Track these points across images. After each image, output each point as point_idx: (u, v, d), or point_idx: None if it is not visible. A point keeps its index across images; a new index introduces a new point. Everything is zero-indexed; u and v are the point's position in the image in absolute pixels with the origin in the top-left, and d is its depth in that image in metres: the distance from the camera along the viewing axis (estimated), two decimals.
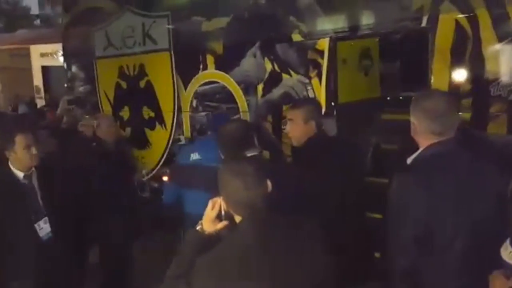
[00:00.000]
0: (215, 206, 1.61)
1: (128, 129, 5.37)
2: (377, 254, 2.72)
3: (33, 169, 2.69)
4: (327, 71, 3.54)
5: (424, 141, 1.84)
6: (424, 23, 3.02)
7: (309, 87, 3.69)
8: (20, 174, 2.65)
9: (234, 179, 1.52)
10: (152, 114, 5.16)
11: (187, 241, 1.64)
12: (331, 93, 3.55)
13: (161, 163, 5.09)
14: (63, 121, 5.36)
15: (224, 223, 1.59)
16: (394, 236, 1.80)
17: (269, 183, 1.57)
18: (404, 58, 4.08)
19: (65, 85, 6.44)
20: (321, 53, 3.59)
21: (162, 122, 5.10)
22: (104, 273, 3.71)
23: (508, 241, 1.42)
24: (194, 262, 1.48)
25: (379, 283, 2.34)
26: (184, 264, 1.55)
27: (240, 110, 4.32)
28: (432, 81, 3.04)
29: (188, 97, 4.75)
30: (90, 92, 5.87)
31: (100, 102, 5.68)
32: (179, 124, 4.90)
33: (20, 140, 2.62)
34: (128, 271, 3.73)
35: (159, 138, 5.11)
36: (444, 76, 2.99)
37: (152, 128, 5.20)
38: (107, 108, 5.60)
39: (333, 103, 3.54)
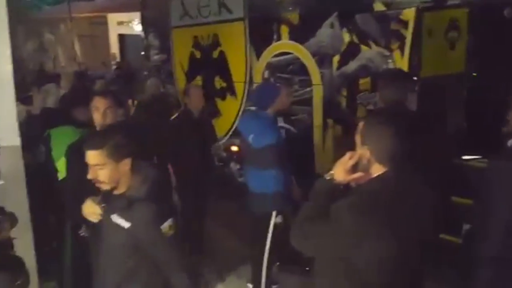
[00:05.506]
0: (352, 157, 1.66)
1: None
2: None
3: None
4: (411, 43, 3.35)
5: None
6: None
7: (389, 60, 3.52)
8: None
9: (387, 127, 1.58)
10: (224, 84, 5.21)
11: (318, 188, 1.74)
12: (414, 66, 3.36)
13: (230, 133, 5.16)
14: None
15: (360, 173, 1.65)
16: (484, 222, 1.71)
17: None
18: (495, 32, 3.75)
19: (142, 53, 6.65)
20: (405, 24, 3.40)
21: (233, 92, 5.13)
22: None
23: None
24: (324, 206, 1.62)
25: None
26: (316, 208, 1.68)
27: (313, 82, 4.23)
28: None
29: (260, 68, 4.73)
30: (165, 61, 6.02)
31: (175, 71, 5.82)
32: (251, 95, 4.90)
33: (97, 103, 2.68)
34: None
35: (229, 108, 5.17)
36: None
37: (223, 98, 5.26)
38: (181, 77, 5.72)
39: (415, 77, 3.36)
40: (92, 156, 1.83)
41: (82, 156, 2.66)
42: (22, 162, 2.60)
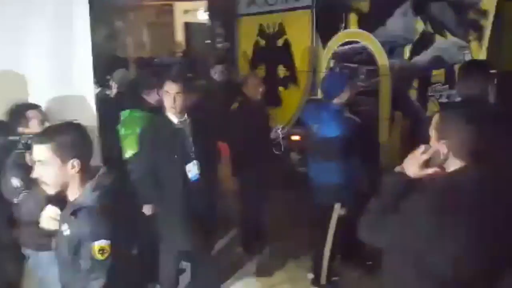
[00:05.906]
0: (427, 151, 1.61)
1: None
2: None
3: (186, 116, 2.86)
4: (491, 35, 3.15)
5: None
6: None
7: (466, 51, 3.34)
8: (175, 120, 2.84)
9: (468, 122, 1.52)
10: (287, 73, 5.18)
11: (388, 181, 1.70)
12: (494, 59, 3.16)
13: (291, 122, 5.14)
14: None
15: (434, 168, 1.60)
16: None
17: None
18: None
19: (207, 42, 6.76)
20: (484, 13, 3.20)
21: (295, 81, 5.10)
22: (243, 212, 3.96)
23: None
24: (393, 200, 1.60)
25: None
26: (385, 202, 1.65)
27: (380, 73, 4.11)
28: None
29: (326, 57, 4.65)
30: (229, 49, 6.08)
31: (238, 59, 5.86)
32: (314, 85, 4.84)
33: (167, 88, 2.79)
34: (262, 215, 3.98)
35: (291, 97, 5.14)
36: None
37: (286, 87, 5.23)
38: (244, 65, 5.75)
39: (494, 71, 3.16)
40: (38, 151, 1.67)
41: (153, 137, 2.83)
42: (100, 142, 2.74)
